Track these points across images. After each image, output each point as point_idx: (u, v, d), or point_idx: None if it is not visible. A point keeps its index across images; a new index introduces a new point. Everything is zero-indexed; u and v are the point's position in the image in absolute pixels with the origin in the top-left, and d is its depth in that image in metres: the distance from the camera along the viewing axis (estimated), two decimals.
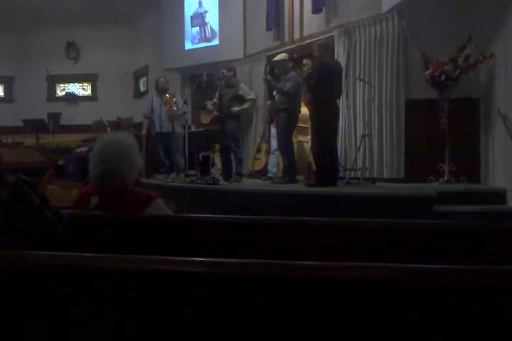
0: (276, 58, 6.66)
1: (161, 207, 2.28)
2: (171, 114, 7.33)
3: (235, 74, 7.22)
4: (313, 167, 6.22)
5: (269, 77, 6.72)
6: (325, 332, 1.16)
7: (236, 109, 6.82)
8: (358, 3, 6.86)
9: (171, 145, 7.47)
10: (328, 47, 5.94)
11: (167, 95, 7.46)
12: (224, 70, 7.06)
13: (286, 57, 6.62)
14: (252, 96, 7.12)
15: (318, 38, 7.19)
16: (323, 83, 5.55)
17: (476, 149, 5.87)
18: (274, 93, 6.83)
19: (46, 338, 1.30)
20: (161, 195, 2.44)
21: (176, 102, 7.42)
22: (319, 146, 5.68)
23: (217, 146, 7.57)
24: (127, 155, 2.27)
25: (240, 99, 6.93)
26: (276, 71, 6.79)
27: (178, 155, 7.51)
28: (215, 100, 7.09)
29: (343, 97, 6.78)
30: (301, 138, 7.12)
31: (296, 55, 7.37)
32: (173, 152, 7.49)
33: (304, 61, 6.94)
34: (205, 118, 7.90)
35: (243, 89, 7.05)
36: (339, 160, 6.32)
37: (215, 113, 7.36)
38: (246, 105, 6.97)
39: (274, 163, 7.33)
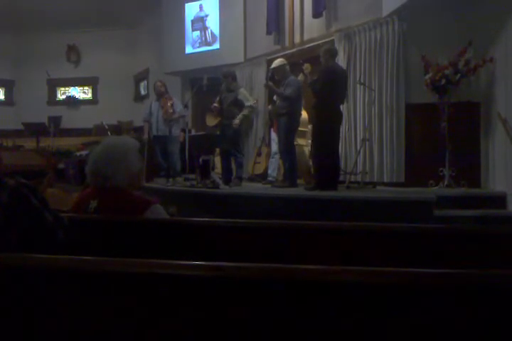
0: (274, 65, 6.66)
1: (159, 212, 2.26)
2: (167, 117, 7.32)
3: (234, 79, 7.22)
4: (312, 171, 6.22)
5: (270, 83, 6.72)
6: (325, 335, 1.16)
7: (236, 122, 6.79)
8: (359, 8, 6.88)
9: (168, 148, 7.47)
10: (332, 52, 5.95)
11: (164, 98, 7.47)
12: (222, 78, 7.08)
13: (283, 62, 6.63)
14: (250, 102, 7.06)
15: (318, 42, 7.21)
16: (328, 88, 5.57)
17: (477, 153, 5.87)
18: (275, 97, 6.83)
19: (46, 339, 1.29)
20: (162, 198, 2.45)
21: (172, 105, 7.41)
22: (321, 150, 5.69)
23: (217, 150, 7.56)
24: (118, 157, 2.24)
25: (240, 104, 6.93)
26: (276, 77, 6.79)
27: (175, 158, 7.52)
28: (215, 104, 7.10)
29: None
30: (300, 141, 7.12)
31: (301, 61, 7.35)
32: (169, 155, 7.50)
33: (304, 66, 6.95)
34: (211, 121, 7.88)
35: (242, 94, 7.04)
36: (340, 164, 6.34)
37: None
38: (245, 112, 6.94)
39: (275, 166, 7.33)
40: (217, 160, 7.87)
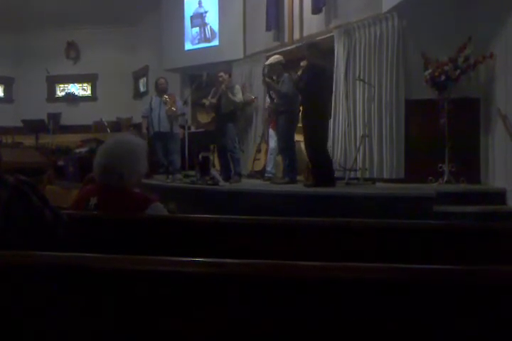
0: (270, 62, 6.65)
1: (158, 210, 2.27)
2: (171, 114, 7.36)
3: (230, 76, 7.30)
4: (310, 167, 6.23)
5: (268, 79, 6.69)
6: (325, 332, 1.16)
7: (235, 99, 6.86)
8: (358, 4, 6.86)
9: (169, 145, 7.49)
10: (318, 47, 5.94)
11: (166, 96, 7.50)
12: (222, 74, 7.06)
13: (279, 59, 6.61)
14: (236, 98, 7.05)
15: (317, 38, 7.20)
16: (312, 86, 5.59)
17: (476, 149, 5.87)
18: (273, 95, 6.81)
19: (46, 338, 1.29)
20: (161, 195, 2.45)
21: (175, 102, 7.46)
22: (313, 148, 5.71)
23: (213, 147, 7.55)
24: (131, 157, 2.27)
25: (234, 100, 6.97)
26: (271, 74, 6.77)
27: (176, 155, 7.55)
28: (212, 100, 7.10)
29: (343, 98, 6.79)
30: (298, 138, 7.11)
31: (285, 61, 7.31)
32: (171, 152, 7.51)
33: (301, 63, 6.93)
34: (203, 117, 7.86)
35: (237, 90, 7.07)
36: (339, 160, 6.36)
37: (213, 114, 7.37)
38: (236, 98, 6.95)
39: (273, 163, 7.34)
40: (216, 158, 7.87)
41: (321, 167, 5.68)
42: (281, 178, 6.58)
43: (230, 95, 6.87)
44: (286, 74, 6.48)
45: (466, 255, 1.83)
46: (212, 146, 7.82)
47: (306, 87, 5.62)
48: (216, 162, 7.81)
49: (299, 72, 6.18)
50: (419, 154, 6.12)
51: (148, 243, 2.02)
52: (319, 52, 5.91)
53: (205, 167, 7.11)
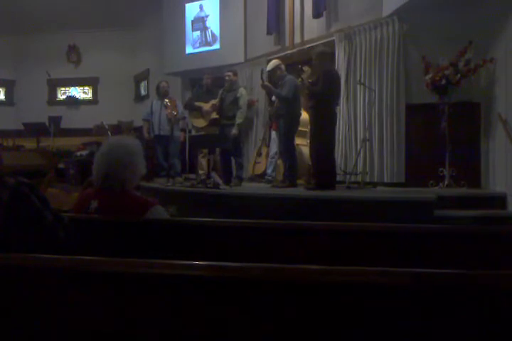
0: (269, 67, 6.66)
1: (159, 214, 2.27)
2: (171, 117, 7.37)
3: (236, 76, 7.29)
4: (311, 171, 6.24)
5: (267, 83, 6.68)
6: (324, 335, 1.16)
7: (234, 132, 6.82)
8: (359, 8, 6.88)
9: (170, 149, 7.50)
10: (328, 54, 5.97)
11: (167, 99, 7.51)
12: (230, 73, 7.05)
13: (277, 63, 6.62)
14: (242, 104, 7.03)
15: (318, 43, 7.21)
16: (327, 90, 5.62)
17: (477, 153, 5.86)
18: (273, 98, 6.81)
19: (46, 339, 1.29)
20: (162, 198, 2.45)
21: (176, 106, 7.47)
22: (319, 151, 5.71)
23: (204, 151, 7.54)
24: (131, 161, 2.27)
25: (237, 103, 6.94)
26: (273, 79, 6.78)
27: (176, 159, 7.56)
28: (213, 102, 7.10)
29: (343, 101, 6.80)
30: (299, 141, 7.11)
31: (300, 66, 7.31)
32: (171, 155, 7.52)
33: (304, 68, 6.93)
34: (199, 122, 7.79)
35: (241, 93, 7.05)
36: (340, 164, 6.35)
37: (214, 115, 7.34)
38: (239, 121, 6.91)
39: (273, 166, 7.34)
40: (205, 162, 7.91)
41: (325, 171, 5.68)
42: (281, 182, 6.57)
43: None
44: (288, 77, 6.48)
45: (467, 259, 1.82)
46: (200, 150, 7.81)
47: (321, 92, 5.65)
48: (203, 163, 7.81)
49: (310, 79, 6.21)
50: (420, 158, 6.12)
51: (149, 246, 2.02)
52: (329, 59, 5.98)
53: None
